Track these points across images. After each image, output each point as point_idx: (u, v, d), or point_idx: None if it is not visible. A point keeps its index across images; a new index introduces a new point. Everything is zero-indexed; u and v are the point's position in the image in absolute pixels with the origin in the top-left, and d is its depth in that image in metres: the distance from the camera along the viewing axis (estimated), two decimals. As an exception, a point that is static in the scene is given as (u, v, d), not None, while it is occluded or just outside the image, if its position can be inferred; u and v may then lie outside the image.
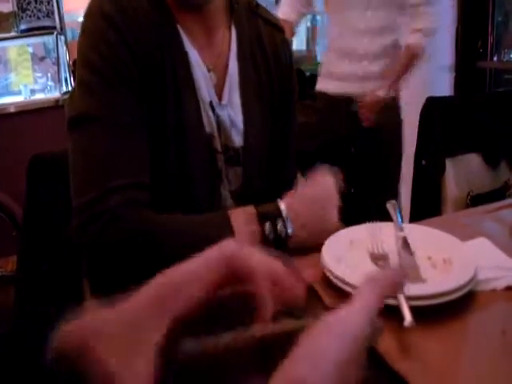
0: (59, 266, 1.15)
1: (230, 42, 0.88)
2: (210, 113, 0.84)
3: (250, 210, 0.74)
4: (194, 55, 0.82)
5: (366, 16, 1.87)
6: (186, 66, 0.81)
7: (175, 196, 0.82)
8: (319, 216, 0.73)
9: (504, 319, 0.55)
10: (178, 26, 0.82)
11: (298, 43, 6.80)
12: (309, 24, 6.73)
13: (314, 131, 1.42)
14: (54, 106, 2.64)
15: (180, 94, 0.80)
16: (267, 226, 0.71)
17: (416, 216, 1.47)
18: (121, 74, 0.75)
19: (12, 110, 2.61)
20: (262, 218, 0.72)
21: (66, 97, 2.76)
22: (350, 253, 0.67)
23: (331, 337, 0.31)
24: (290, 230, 0.72)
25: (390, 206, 0.75)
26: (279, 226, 0.72)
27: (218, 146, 0.87)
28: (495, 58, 2.88)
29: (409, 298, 0.52)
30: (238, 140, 0.88)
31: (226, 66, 0.87)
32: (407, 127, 1.90)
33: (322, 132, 1.43)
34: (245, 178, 0.89)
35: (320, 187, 0.77)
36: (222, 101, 0.86)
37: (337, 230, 0.72)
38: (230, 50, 0.88)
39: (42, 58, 3.33)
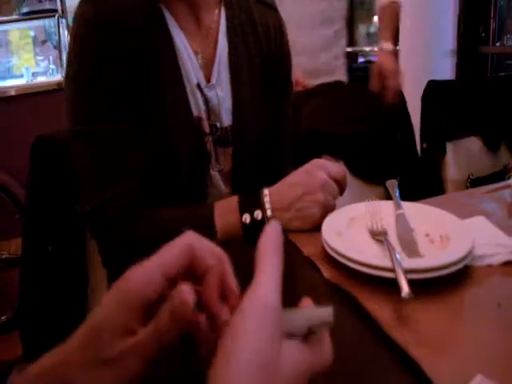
0: (63, 247, 1.17)
1: (219, 21, 0.89)
2: (198, 95, 0.85)
3: (233, 200, 0.77)
4: (180, 39, 0.83)
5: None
6: (170, 51, 0.82)
7: (165, 179, 0.84)
8: (301, 199, 0.74)
9: (499, 292, 0.57)
10: (164, 10, 0.82)
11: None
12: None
13: (356, 115, 1.43)
14: (56, 89, 2.64)
15: (164, 80, 0.81)
16: (245, 216, 0.74)
17: (417, 198, 1.48)
18: (103, 76, 0.77)
19: (14, 92, 2.61)
20: (241, 208, 0.75)
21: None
22: (350, 229, 0.68)
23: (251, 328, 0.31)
24: (269, 218, 0.73)
25: (390, 184, 0.76)
26: (257, 214, 0.74)
27: (206, 128, 0.88)
28: (497, 44, 2.87)
29: (407, 271, 0.53)
30: (227, 119, 0.89)
31: (215, 46, 0.88)
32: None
33: (366, 116, 1.43)
34: (235, 158, 0.90)
35: (304, 174, 0.76)
36: (210, 81, 0.87)
37: (323, 213, 0.73)
38: (219, 29, 0.88)
39: (44, 42, 3.32)
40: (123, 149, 0.79)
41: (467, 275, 0.58)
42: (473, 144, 1.58)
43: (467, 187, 1.51)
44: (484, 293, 0.57)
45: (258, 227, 0.74)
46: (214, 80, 0.87)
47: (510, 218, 0.74)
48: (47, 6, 2.90)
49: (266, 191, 0.76)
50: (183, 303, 0.33)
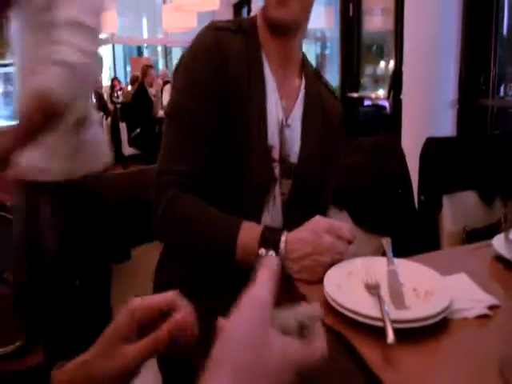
0: (89, 282, 1.28)
1: (300, 85, 1.10)
2: (276, 129, 1.05)
3: (258, 230, 0.89)
4: (270, 81, 1.04)
5: None
6: (262, 84, 1.02)
7: (233, 186, 1.02)
8: (309, 257, 0.85)
9: (472, 342, 0.67)
10: (263, 56, 1.04)
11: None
12: (318, 50, 6.95)
13: (361, 172, 1.58)
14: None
15: (249, 102, 1.00)
16: (262, 250, 0.86)
17: (414, 248, 1.58)
18: (203, 90, 0.98)
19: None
20: (261, 241, 0.87)
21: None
22: (348, 281, 0.79)
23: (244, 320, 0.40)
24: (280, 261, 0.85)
25: (384, 242, 0.87)
26: (271, 253, 0.86)
27: (277, 156, 1.06)
28: (500, 93, 2.98)
29: (393, 321, 0.64)
30: (293, 157, 1.08)
31: (296, 99, 1.09)
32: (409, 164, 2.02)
33: (370, 173, 1.57)
34: (293, 189, 1.09)
35: (314, 233, 0.87)
36: (288, 122, 1.07)
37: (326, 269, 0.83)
38: (300, 89, 1.10)
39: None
40: (193, 140, 0.98)
41: (445, 326, 0.69)
42: (468, 197, 1.69)
43: (463, 239, 1.62)
44: (459, 342, 0.67)
45: None
46: (290, 122, 1.07)
47: (490, 276, 0.85)
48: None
49: (283, 237, 0.87)
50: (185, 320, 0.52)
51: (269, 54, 1.04)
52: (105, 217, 1.27)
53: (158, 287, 1.07)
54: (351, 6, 4.53)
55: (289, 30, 1.02)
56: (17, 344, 2.21)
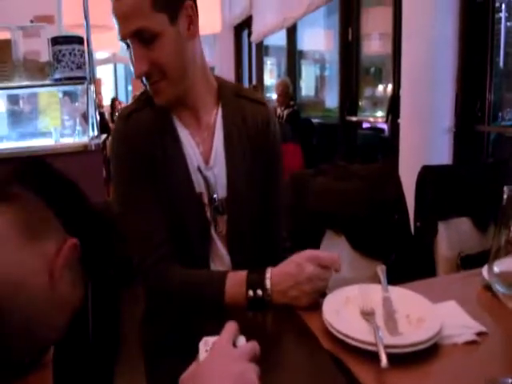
0: (98, 306, 1.32)
1: (216, 118, 1.14)
2: (199, 175, 1.10)
3: (243, 274, 0.96)
4: (184, 135, 1.10)
5: None
6: (177, 144, 1.09)
7: (176, 241, 1.07)
8: (292, 288, 0.91)
9: (461, 366, 0.72)
10: (173, 117, 1.10)
11: (308, 90, 7.12)
12: (318, 72, 7.07)
13: (359, 198, 1.62)
14: (83, 151, 2.86)
15: (173, 166, 1.07)
16: (250, 292, 0.94)
17: (411, 272, 1.63)
18: (132, 172, 1.06)
19: (42, 153, 2.81)
20: (248, 285, 0.94)
21: (93, 142, 2.98)
22: (346, 308, 0.84)
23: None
24: (268, 297, 0.92)
25: (379, 270, 0.92)
26: (259, 292, 0.93)
27: (206, 200, 1.11)
28: (499, 117, 3.04)
29: (387, 347, 0.69)
30: (222, 192, 1.12)
31: (213, 137, 1.12)
32: (406, 191, 2.07)
33: (366, 199, 1.61)
34: (229, 224, 1.13)
35: (295, 265, 0.93)
36: (209, 164, 1.11)
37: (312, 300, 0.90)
38: (215, 125, 1.13)
39: (71, 103, 3.59)
40: (152, 219, 1.06)
41: (436, 351, 0.73)
42: (463, 224, 1.74)
43: (457, 264, 1.66)
44: (449, 366, 0.72)
45: (258, 301, 0.93)
46: (211, 163, 1.11)
47: (479, 304, 0.90)
48: (77, 73, 3.16)
49: (268, 274, 0.94)
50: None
51: (175, 111, 1.11)
52: (111, 240, 1.31)
53: (147, 346, 1.16)
54: (350, 30, 4.64)
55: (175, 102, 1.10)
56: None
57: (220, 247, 1.13)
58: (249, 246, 1.15)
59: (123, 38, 1.01)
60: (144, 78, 1.04)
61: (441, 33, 2.86)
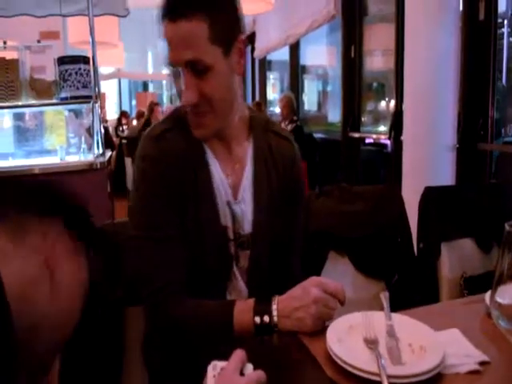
0: (101, 329, 1.33)
1: (247, 151, 1.13)
2: (227, 209, 1.09)
3: (250, 303, 0.97)
4: (215, 167, 1.08)
5: None
6: (207, 176, 1.07)
7: (196, 274, 1.06)
8: (298, 310, 0.92)
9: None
10: (205, 147, 1.08)
11: (310, 105, 7.17)
12: (320, 87, 7.13)
13: (362, 219, 1.63)
14: (88, 169, 2.88)
15: (200, 198, 1.05)
16: (257, 318, 0.94)
17: (413, 294, 1.63)
18: (159, 199, 1.03)
19: (48, 171, 2.84)
20: (255, 311, 0.95)
21: (99, 160, 3.00)
22: (349, 335, 0.85)
23: None
24: (275, 323, 0.93)
25: (383, 296, 0.93)
26: (265, 318, 0.94)
27: (231, 235, 1.10)
28: (503, 137, 3.04)
29: (390, 377, 0.70)
30: (248, 228, 1.11)
31: (243, 171, 1.11)
32: (409, 210, 2.07)
33: (370, 221, 1.62)
34: (252, 259, 1.12)
35: (301, 289, 0.94)
36: (237, 198, 1.10)
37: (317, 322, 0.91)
38: (247, 157, 1.12)
39: (76, 122, 3.62)
40: (169, 250, 1.03)
41: (438, 381, 0.74)
42: (466, 245, 1.74)
43: (461, 285, 1.66)
44: (451, 397, 0.72)
45: (265, 327, 0.94)
46: (239, 197, 1.10)
47: (481, 332, 0.90)
48: (83, 92, 3.20)
49: (275, 300, 0.95)
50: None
51: (209, 143, 1.09)
52: (118, 260, 1.33)
53: (151, 366, 1.16)
54: (353, 47, 4.69)
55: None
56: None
57: (239, 281, 1.13)
58: (268, 280, 1.15)
59: (174, 65, 0.99)
60: (189, 108, 1.02)
61: (443, 49, 2.89)
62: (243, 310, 0.96)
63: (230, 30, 0.99)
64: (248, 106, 1.20)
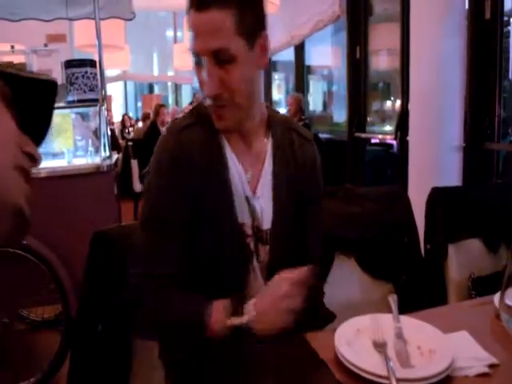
0: (112, 327, 1.34)
1: (267, 148, 1.13)
2: (245, 204, 1.08)
3: (225, 302, 0.97)
4: (232, 160, 1.08)
5: None
6: (223, 169, 1.06)
7: (212, 270, 1.07)
8: (273, 308, 0.93)
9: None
10: (223, 139, 1.08)
11: (316, 105, 7.17)
12: (325, 87, 7.13)
13: (368, 221, 1.63)
14: (96, 172, 2.89)
15: (216, 192, 1.05)
16: (232, 319, 0.94)
17: (421, 295, 1.63)
18: (174, 191, 1.03)
19: (56, 174, 2.84)
20: (230, 311, 0.95)
21: (105, 162, 3.01)
22: (357, 339, 0.85)
23: None
24: (245, 322, 0.93)
25: (391, 299, 0.93)
26: (237, 320, 0.94)
27: (249, 231, 1.09)
28: (509, 131, 3.02)
29: (399, 380, 0.70)
30: (267, 223, 1.10)
31: (262, 167, 1.11)
32: (416, 211, 2.07)
33: (376, 222, 1.62)
34: (271, 254, 1.12)
35: (271, 290, 0.96)
36: (256, 194, 1.09)
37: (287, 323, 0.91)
38: (266, 153, 1.12)
39: (83, 125, 3.64)
40: (170, 243, 1.03)
41: (448, 384, 0.74)
42: (474, 245, 1.74)
43: (468, 286, 1.66)
44: (460, 400, 0.72)
45: (239, 329, 0.94)
46: (258, 193, 1.10)
47: (490, 334, 0.90)
48: (90, 95, 3.21)
49: (248, 301, 0.96)
50: None
51: (228, 136, 1.09)
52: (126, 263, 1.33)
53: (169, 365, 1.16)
54: (358, 47, 4.68)
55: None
56: (31, 380, 2.25)
57: (258, 276, 1.12)
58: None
59: (199, 55, 0.99)
60: (210, 100, 1.02)
61: (449, 49, 2.88)
62: (217, 311, 0.97)
63: (255, 24, 1.00)
64: (267, 104, 1.20)
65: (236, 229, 1.07)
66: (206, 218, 1.05)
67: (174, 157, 1.04)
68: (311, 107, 7.04)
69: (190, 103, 6.51)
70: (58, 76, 3.36)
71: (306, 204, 1.17)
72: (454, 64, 2.90)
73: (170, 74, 13.11)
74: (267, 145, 1.13)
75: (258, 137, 1.13)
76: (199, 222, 1.04)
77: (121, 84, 12.97)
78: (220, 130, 1.06)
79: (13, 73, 0.56)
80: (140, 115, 9.84)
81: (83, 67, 3.06)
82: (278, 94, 8.43)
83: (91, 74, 3.10)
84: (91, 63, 3.13)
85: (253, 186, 1.10)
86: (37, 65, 3.50)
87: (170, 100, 14.32)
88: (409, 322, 0.88)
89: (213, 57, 0.97)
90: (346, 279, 1.60)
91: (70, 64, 3.10)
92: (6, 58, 3.29)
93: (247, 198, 1.08)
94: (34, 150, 0.58)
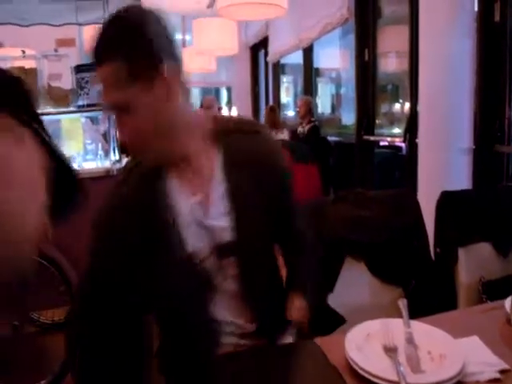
0: (122, 333, 1.35)
1: (215, 164, 1.07)
2: (198, 228, 1.05)
3: None
4: (175, 189, 1.05)
5: None
6: (162, 207, 1.04)
7: (173, 308, 1.07)
8: None
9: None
10: (164, 174, 1.06)
11: (324, 108, 7.17)
12: (334, 90, 7.12)
13: (378, 224, 1.62)
14: (105, 176, 2.91)
15: (156, 235, 1.04)
16: None
17: (431, 299, 1.62)
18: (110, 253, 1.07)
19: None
20: None
21: (115, 166, 3.03)
22: (367, 343, 0.85)
23: None
24: None
25: (401, 304, 0.93)
26: None
27: (206, 252, 1.06)
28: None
29: (410, 386, 0.70)
30: (228, 237, 1.06)
31: (212, 183, 1.06)
32: (425, 215, 2.06)
33: (386, 225, 1.61)
34: (240, 266, 1.08)
35: None
36: (209, 214, 1.05)
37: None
38: (216, 168, 1.07)
39: (93, 128, 3.67)
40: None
41: (459, 390, 0.74)
42: (484, 249, 1.73)
43: (479, 290, 1.65)
44: (472, 405, 0.72)
45: None
46: (213, 212, 1.06)
47: (501, 339, 0.90)
48: (100, 100, 3.23)
49: None
50: None
51: (166, 166, 1.06)
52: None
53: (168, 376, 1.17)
54: (366, 50, 4.67)
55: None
56: (42, 382, 2.26)
57: (228, 290, 1.10)
58: (265, 282, 1.14)
59: (105, 109, 1.03)
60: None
61: (458, 51, 2.86)
62: None
63: (149, 65, 0.96)
64: (214, 115, 1.15)
65: (188, 261, 1.05)
66: (155, 261, 1.04)
67: (111, 219, 1.06)
68: (319, 110, 7.04)
69: (200, 107, 6.52)
70: (68, 80, 3.38)
71: (276, 206, 1.12)
72: (464, 66, 2.88)
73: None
74: (216, 161, 1.08)
75: (202, 156, 1.07)
76: (150, 266, 1.04)
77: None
78: (153, 164, 1.05)
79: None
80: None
81: (93, 71, 3.08)
82: (286, 97, 8.44)
83: (101, 78, 3.12)
84: (101, 67, 3.15)
85: (206, 208, 1.06)
86: (47, 69, 3.53)
87: (179, 103, 14.34)
88: (419, 327, 0.88)
89: (115, 109, 0.98)
90: (355, 283, 1.60)
91: (79, 69, 3.13)
92: (18, 63, 3.31)
93: (200, 222, 1.05)
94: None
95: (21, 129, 0.54)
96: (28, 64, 3.26)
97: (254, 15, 4.83)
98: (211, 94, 9.58)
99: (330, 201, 1.70)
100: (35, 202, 0.53)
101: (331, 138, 5.50)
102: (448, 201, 1.70)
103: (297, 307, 1.08)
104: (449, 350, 0.80)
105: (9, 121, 0.54)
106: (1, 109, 0.55)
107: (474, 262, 1.68)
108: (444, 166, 2.90)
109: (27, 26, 3.62)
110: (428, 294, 1.56)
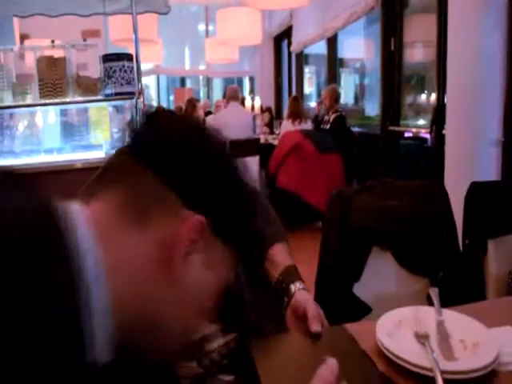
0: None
1: None
2: None
3: None
4: None
5: None
6: None
7: None
8: None
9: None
10: None
11: (347, 98, 7.11)
12: (357, 80, 7.06)
13: (405, 214, 1.61)
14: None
15: None
16: None
17: (459, 291, 1.61)
18: None
19: (95, 165, 2.92)
20: None
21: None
22: (398, 330, 0.85)
23: None
24: None
25: (432, 292, 0.93)
26: None
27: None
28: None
29: (443, 372, 0.70)
30: None
31: None
32: (453, 206, 2.04)
33: (413, 216, 1.59)
34: None
35: None
36: None
37: None
38: None
39: (119, 117, 3.71)
40: None
41: (493, 378, 0.74)
42: (513, 241, 1.71)
43: (508, 282, 1.63)
44: (506, 394, 0.72)
45: None
46: None
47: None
48: (127, 89, 3.27)
49: None
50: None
51: None
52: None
53: None
54: (392, 40, 4.61)
55: None
56: None
57: None
58: None
59: None
60: None
61: (488, 41, 2.80)
62: None
63: None
64: None
65: None
66: None
67: None
68: (343, 100, 6.98)
69: (223, 97, 6.53)
70: (95, 70, 3.43)
71: None
72: (494, 57, 2.83)
73: (202, 67, 13.17)
74: None
75: None
76: None
77: (153, 77, 13.10)
78: None
79: None
80: (173, 107, 9.93)
81: (120, 61, 3.12)
82: (308, 88, 8.39)
83: (128, 67, 3.16)
84: (128, 57, 3.19)
85: None
86: (75, 59, 3.59)
87: (202, 94, 14.39)
88: (451, 316, 0.88)
89: None
90: (381, 273, 1.59)
91: (107, 58, 3.16)
92: (47, 52, 3.37)
93: None
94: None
95: None
96: (57, 54, 3.31)
97: (279, 4, 4.82)
98: (234, 84, 9.58)
99: (356, 190, 1.69)
100: None
101: (354, 129, 5.47)
102: (477, 192, 1.68)
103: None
104: (482, 339, 0.80)
105: None
106: None
107: (504, 253, 1.66)
108: (472, 157, 2.86)
109: (55, 16, 3.67)
110: (456, 285, 1.55)
